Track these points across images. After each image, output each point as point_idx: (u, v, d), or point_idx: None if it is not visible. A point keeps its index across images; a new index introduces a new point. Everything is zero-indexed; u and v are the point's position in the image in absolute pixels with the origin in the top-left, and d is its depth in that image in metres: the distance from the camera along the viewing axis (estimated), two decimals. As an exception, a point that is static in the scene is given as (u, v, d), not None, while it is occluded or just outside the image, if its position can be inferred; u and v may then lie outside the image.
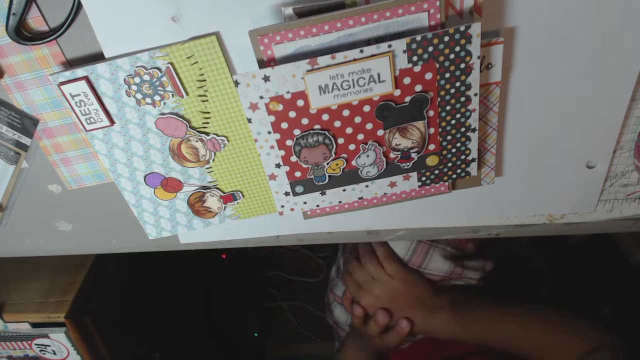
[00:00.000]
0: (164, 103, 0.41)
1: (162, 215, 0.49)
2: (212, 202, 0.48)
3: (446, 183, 0.47)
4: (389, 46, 0.37)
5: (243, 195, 0.48)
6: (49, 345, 0.67)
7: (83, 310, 0.67)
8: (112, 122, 0.42)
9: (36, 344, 0.67)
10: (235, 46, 0.39)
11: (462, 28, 0.37)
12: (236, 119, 0.43)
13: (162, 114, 0.42)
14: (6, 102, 0.44)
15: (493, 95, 0.42)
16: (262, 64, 0.38)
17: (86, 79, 0.40)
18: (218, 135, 0.43)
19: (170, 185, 0.47)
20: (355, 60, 0.37)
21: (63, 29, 0.39)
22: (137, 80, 0.40)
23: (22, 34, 0.40)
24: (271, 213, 0.49)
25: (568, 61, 0.41)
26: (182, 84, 0.40)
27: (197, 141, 0.44)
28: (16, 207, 0.51)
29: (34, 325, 0.66)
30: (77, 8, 0.39)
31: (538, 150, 0.46)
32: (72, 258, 0.68)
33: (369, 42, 0.38)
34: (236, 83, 0.39)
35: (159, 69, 0.40)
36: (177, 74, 0.40)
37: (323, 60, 0.37)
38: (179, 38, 0.39)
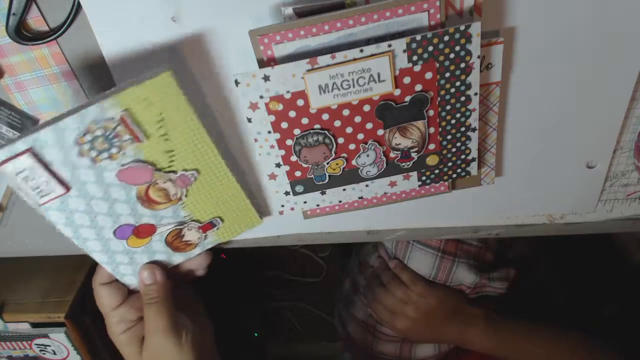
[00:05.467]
0: (123, 153, 0.38)
1: (140, 262, 0.46)
2: (191, 235, 0.46)
3: (446, 183, 0.47)
4: (389, 46, 0.37)
5: (222, 220, 0.46)
6: (48, 345, 0.67)
7: (83, 310, 0.66)
8: (67, 188, 0.38)
9: (36, 344, 0.67)
10: (235, 46, 0.39)
11: (462, 27, 0.37)
12: (202, 149, 0.40)
13: (123, 164, 0.39)
14: (6, 102, 0.44)
15: (493, 95, 0.42)
16: (262, 63, 0.38)
17: (29, 151, 0.35)
18: (187, 170, 0.41)
19: (143, 232, 0.44)
20: (355, 59, 0.37)
21: (63, 29, 0.39)
22: (88, 137, 0.36)
23: (22, 34, 0.40)
24: (254, 226, 0.48)
25: (568, 61, 0.41)
26: (140, 128, 0.37)
27: (165, 182, 0.41)
28: (16, 207, 0.51)
29: (34, 325, 0.66)
30: (76, 8, 0.38)
31: (538, 150, 0.46)
32: (72, 258, 0.68)
33: (369, 42, 0.38)
34: (236, 83, 0.39)
35: (111, 119, 0.36)
36: (133, 119, 0.36)
37: (323, 60, 0.37)
38: (179, 38, 0.39)
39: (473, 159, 0.45)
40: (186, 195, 0.43)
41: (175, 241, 0.46)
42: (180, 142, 0.39)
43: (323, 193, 0.46)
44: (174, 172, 0.41)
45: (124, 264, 0.46)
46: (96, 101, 0.35)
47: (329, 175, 0.45)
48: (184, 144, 0.39)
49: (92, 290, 0.48)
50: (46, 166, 0.36)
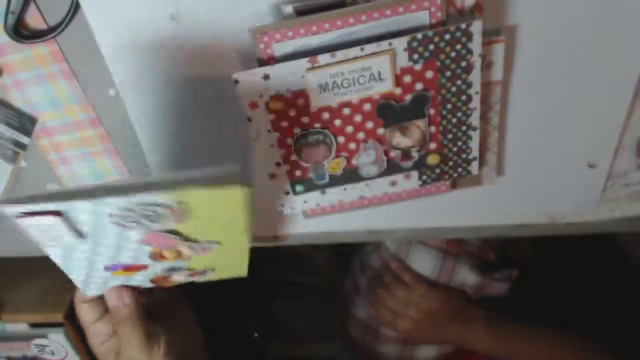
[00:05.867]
0: (155, 223, 0.35)
1: (112, 284, 0.43)
2: (178, 277, 0.44)
3: (447, 182, 0.47)
4: (390, 44, 0.37)
5: (214, 269, 0.44)
6: (47, 346, 0.67)
7: (82, 310, 0.66)
8: (82, 237, 0.35)
9: (34, 345, 0.67)
10: (234, 44, 0.39)
11: (463, 26, 0.36)
12: (233, 226, 0.37)
13: (149, 230, 0.36)
14: (4, 100, 0.43)
15: (494, 94, 0.42)
16: (261, 62, 0.38)
17: (58, 214, 0.33)
18: (211, 242, 0.39)
19: (133, 269, 0.41)
20: (355, 58, 0.37)
21: (61, 27, 0.39)
22: (127, 213, 0.33)
23: (21, 32, 0.39)
24: (238, 276, 0.47)
25: (569, 59, 0.41)
26: (187, 216, 0.34)
27: (184, 247, 0.38)
28: (15, 207, 0.51)
29: (33, 325, 0.66)
30: (75, 6, 0.38)
31: (539, 149, 0.46)
32: (71, 258, 0.68)
33: (369, 40, 0.37)
34: (235, 81, 0.38)
35: (162, 205, 0.33)
36: (184, 210, 0.34)
37: (323, 58, 0.37)
38: (178, 36, 0.39)
39: (474, 158, 0.45)
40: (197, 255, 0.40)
41: (160, 280, 0.44)
42: (220, 233, 0.37)
43: (323, 193, 0.46)
44: (197, 241, 0.38)
45: (97, 283, 0.43)
46: (150, 190, 0.32)
47: (329, 175, 0.44)
48: (218, 227, 0.37)
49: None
50: (70, 225, 0.34)
